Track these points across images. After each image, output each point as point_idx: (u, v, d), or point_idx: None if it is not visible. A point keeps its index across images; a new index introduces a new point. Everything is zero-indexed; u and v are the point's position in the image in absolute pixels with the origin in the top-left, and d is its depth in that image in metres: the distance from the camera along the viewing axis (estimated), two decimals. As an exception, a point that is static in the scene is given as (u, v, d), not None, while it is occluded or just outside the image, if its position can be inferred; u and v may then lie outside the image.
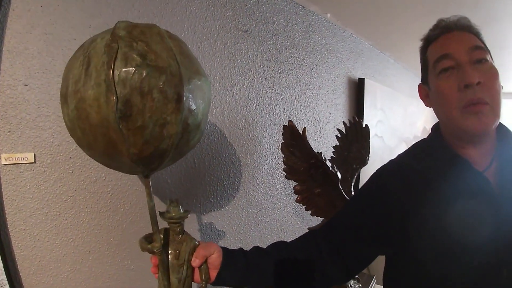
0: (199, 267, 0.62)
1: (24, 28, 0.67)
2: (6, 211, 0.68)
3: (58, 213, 0.75)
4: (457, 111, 0.57)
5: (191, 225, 1.00)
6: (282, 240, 0.75)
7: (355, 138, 1.17)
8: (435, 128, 0.70)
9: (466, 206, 0.58)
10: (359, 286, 1.08)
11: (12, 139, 0.67)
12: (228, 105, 1.07)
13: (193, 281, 0.65)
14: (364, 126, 1.18)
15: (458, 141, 0.62)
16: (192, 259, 0.61)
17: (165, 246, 0.60)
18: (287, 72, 1.30)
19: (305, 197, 0.99)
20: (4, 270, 0.67)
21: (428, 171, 0.64)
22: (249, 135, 1.15)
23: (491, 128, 0.58)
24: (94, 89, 0.40)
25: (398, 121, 2.17)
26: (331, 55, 1.55)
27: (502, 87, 0.60)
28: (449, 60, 0.58)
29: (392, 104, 2.03)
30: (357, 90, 1.71)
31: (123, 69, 0.39)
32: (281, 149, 0.91)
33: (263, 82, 1.19)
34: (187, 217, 0.61)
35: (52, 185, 0.73)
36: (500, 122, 0.62)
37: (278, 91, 1.26)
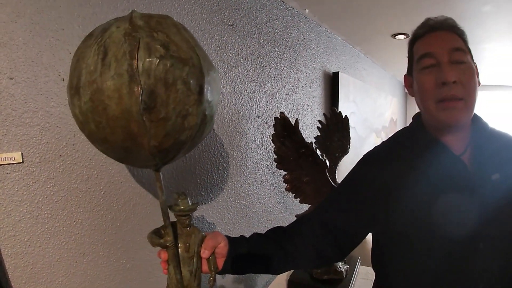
0: (207, 258, 0.63)
1: (8, 16, 0.61)
2: None
3: (49, 216, 0.70)
4: (433, 104, 0.63)
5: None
6: (278, 226, 0.78)
7: (335, 128, 1.23)
8: (416, 117, 0.76)
9: (445, 186, 0.64)
10: (346, 267, 1.15)
11: None
12: (216, 99, 1.07)
13: (202, 273, 0.65)
14: (344, 117, 1.25)
15: (436, 128, 0.68)
16: (202, 251, 0.61)
17: (174, 240, 0.59)
18: (270, 66, 1.31)
19: (294, 186, 1.02)
20: None
21: (409, 154, 0.70)
22: (235, 128, 1.16)
23: (464, 121, 0.64)
24: (114, 80, 0.38)
25: (369, 113, 2.29)
26: (308, 49, 1.59)
27: (479, 83, 0.66)
28: (431, 59, 0.64)
29: (363, 96, 2.15)
30: (332, 83, 1.78)
31: (147, 59, 0.38)
32: (272, 139, 0.93)
33: (247, 76, 1.20)
34: (196, 209, 0.61)
35: (42, 185, 0.69)
36: (475, 113, 0.69)
37: (262, 84, 1.28)
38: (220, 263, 0.65)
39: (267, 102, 1.31)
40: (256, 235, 0.74)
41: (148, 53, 0.38)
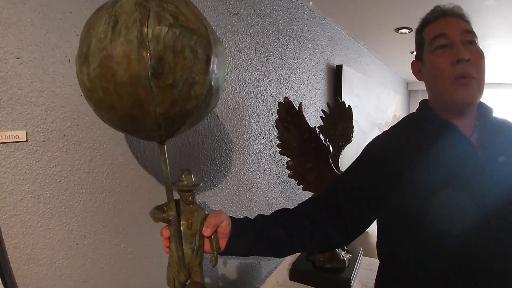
0: (209, 237, 0.62)
1: None
2: None
3: (51, 196, 0.69)
4: (449, 83, 0.64)
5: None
6: (283, 208, 0.77)
7: (339, 118, 1.22)
8: (423, 102, 0.76)
9: (457, 168, 0.64)
10: (349, 256, 1.14)
11: (2, 116, 0.61)
12: (220, 86, 1.06)
13: (204, 252, 0.65)
14: (347, 106, 1.24)
15: (446, 112, 0.68)
16: (204, 229, 0.60)
17: (176, 216, 0.58)
18: (273, 56, 1.30)
19: (297, 172, 1.01)
20: None
21: (419, 136, 0.70)
22: (239, 115, 1.15)
23: (477, 100, 0.65)
24: (124, 46, 0.37)
25: (371, 107, 2.28)
26: (312, 41, 1.58)
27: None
28: (444, 39, 0.65)
29: (367, 91, 2.13)
30: (335, 76, 1.77)
31: (157, 27, 0.37)
32: (276, 125, 0.92)
33: (251, 64, 1.19)
34: (199, 185, 0.60)
35: (45, 165, 0.68)
36: (481, 101, 0.70)
37: (266, 73, 1.26)
38: (223, 243, 0.64)
39: (270, 91, 1.30)
40: (260, 217, 0.73)
41: (158, 21, 0.38)
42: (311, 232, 0.72)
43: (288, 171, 1.01)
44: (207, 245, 0.63)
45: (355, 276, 1.14)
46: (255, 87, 1.21)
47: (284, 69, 1.38)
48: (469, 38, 0.65)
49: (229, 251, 0.65)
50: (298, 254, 1.25)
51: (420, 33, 0.73)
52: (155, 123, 0.43)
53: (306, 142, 0.95)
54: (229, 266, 1.17)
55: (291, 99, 1.43)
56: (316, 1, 1.47)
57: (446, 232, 0.63)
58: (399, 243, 0.73)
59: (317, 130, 0.91)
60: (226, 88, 1.08)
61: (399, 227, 0.72)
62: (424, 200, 0.65)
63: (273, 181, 1.38)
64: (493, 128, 0.69)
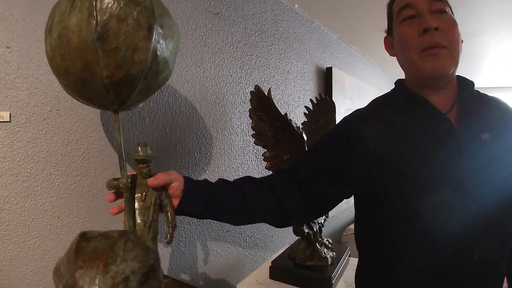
0: (166, 212, 0.67)
1: None
2: None
3: (29, 175, 0.78)
4: (417, 54, 0.63)
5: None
6: (249, 175, 0.79)
7: (321, 112, 1.28)
8: (398, 81, 0.76)
9: (429, 145, 0.63)
10: (332, 254, 1.15)
11: None
12: (199, 80, 1.15)
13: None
14: (329, 100, 1.30)
15: (420, 87, 0.68)
16: (151, 179, 0.64)
17: (132, 190, 0.64)
18: (257, 55, 1.40)
19: (274, 164, 1.07)
20: None
21: (392, 113, 0.70)
22: (219, 111, 1.24)
23: (449, 71, 0.63)
24: (77, 17, 0.47)
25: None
26: (299, 43, 1.68)
27: (462, 41, 0.67)
28: (411, 9, 0.65)
29: (360, 94, 2.20)
30: (325, 78, 1.86)
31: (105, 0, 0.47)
32: (249, 115, 1.00)
33: (233, 62, 1.29)
34: (154, 157, 0.67)
35: (24, 145, 0.77)
36: (460, 75, 0.70)
37: (248, 71, 1.36)
38: (175, 202, 0.68)
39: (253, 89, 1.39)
40: (221, 181, 0.75)
41: (105, -6, 0.47)
42: (269, 203, 0.73)
43: (265, 163, 1.07)
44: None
45: (339, 275, 1.15)
46: (236, 84, 1.30)
47: (269, 68, 1.47)
48: (438, 7, 0.64)
49: (181, 211, 0.69)
50: (280, 252, 1.28)
51: (390, 6, 0.73)
52: (104, 87, 0.51)
53: (280, 131, 1.01)
54: (210, 264, 1.21)
55: (277, 98, 1.52)
56: (301, 4, 1.58)
57: (417, 213, 0.62)
58: (372, 227, 0.73)
59: (288, 117, 0.97)
60: (205, 84, 1.17)
61: (371, 206, 0.72)
62: (394, 180, 0.65)
63: (258, 180, 1.44)
64: (475, 103, 0.67)
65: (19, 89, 0.75)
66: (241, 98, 1.33)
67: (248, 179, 0.77)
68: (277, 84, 1.53)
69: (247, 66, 1.35)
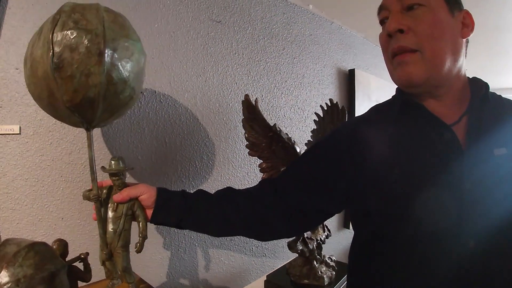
0: (138, 222, 0.72)
1: (18, 22, 0.84)
2: None
3: (36, 180, 0.90)
4: (389, 62, 0.60)
5: (162, 202, 1.13)
6: (230, 188, 0.78)
7: (330, 120, 1.25)
8: (399, 88, 0.68)
9: (428, 162, 0.56)
10: (331, 274, 1.09)
11: (2, 113, 0.84)
12: (201, 90, 1.21)
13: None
14: (341, 107, 1.27)
15: (415, 96, 0.61)
16: (115, 196, 0.69)
17: (106, 200, 0.71)
18: (265, 61, 1.42)
19: (271, 175, 1.08)
20: None
21: (388, 123, 0.63)
22: (223, 119, 1.28)
23: (420, 79, 0.55)
24: (41, 49, 0.54)
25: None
26: (317, 45, 1.65)
27: (466, 35, 0.58)
28: (384, 11, 0.60)
29: (389, 97, 2.06)
30: (348, 81, 1.80)
31: (60, 32, 0.53)
32: (242, 125, 1.02)
33: (238, 69, 1.32)
34: (125, 171, 0.72)
35: (33, 154, 0.89)
36: (475, 77, 0.63)
37: (255, 78, 1.38)
38: (149, 213, 0.70)
39: (262, 96, 1.41)
40: (199, 191, 0.75)
41: (61, 27, 0.54)
42: (245, 214, 0.71)
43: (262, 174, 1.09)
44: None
45: (339, 296, 1.12)
46: (242, 91, 1.33)
47: (280, 73, 1.47)
48: (409, 2, 0.56)
49: (155, 221, 0.71)
50: (278, 267, 1.28)
51: None
52: (68, 110, 0.58)
53: (274, 142, 1.02)
54: (212, 271, 1.26)
55: (289, 104, 1.51)
56: (317, 4, 1.55)
57: (414, 241, 0.56)
58: (360, 246, 0.69)
59: (277, 128, 0.97)
60: (208, 92, 1.22)
61: (357, 227, 0.69)
62: (376, 199, 0.60)
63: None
64: (490, 111, 0.58)
65: (27, 105, 0.87)
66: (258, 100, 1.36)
67: (228, 189, 0.76)
68: (289, 90, 1.52)
69: (254, 73, 1.38)
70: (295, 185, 0.72)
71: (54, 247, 0.57)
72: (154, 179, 1.10)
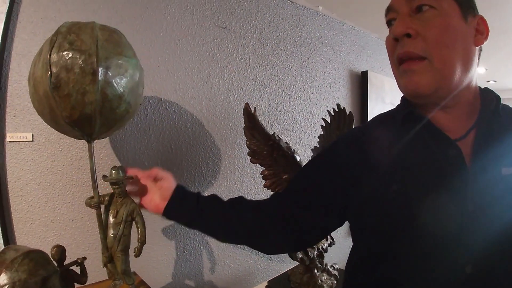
0: (138, 228, 0.77)
1: (28, 35, 0.90)
2: (8, 179, 0.90)
3: (48, 184, 0.96)
4: (395, 68, 0.55)
5: (168, 206, 1.17)
6: (241, 197, 0.78)
7: (336, 126, 1.24)
8: (404, 97, 0.65)
9: (429, 177, 0.53)
10: (331, 282, 1.09)
11: (16, 122, 0.90)
12: (206, 96, 1.23)
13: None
14: (348, 113, 1.25)
15: (425, 106, 0.57)
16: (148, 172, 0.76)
17: (108, 206, 0.76)
18: (273, 65, 1.42)
19: (273, 182, 1.09)
20: (1, 229, 0.89)
21: (389, 136, 0.61)
22: (229, 125, 1.30)
23: (428, 89, 0.52)
24: (40, 70, 0.59)
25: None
26: (327, 48, 1.63)
27: (480, 43, 0.54)
28: (392, 13, 0.56)
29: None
30: (360, 83, 1.76)
31: (57, 54, 0.57)
32: (244, 133, 1.04)
33: (244, 75, 1.33)
34: (124, 180, 0.76)
35: (45, 160, 0.95)
36: (486, 88, 0.59)
37: (262, 83, 1.39)
38: (162, 205, 0.72)
39: (269, 101, 1.42)
40: (212, 196, 0.77)
41: (58, 49, 0.58)
42: (252, 228, 0.71)
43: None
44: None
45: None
46: (248, 97, 1.35)
47: (288, 77, 1.47)
48: (418, 3, 0.52)
49: (167, 215, 0.72)
50: (284, 271, 1.29)
51: None
52: (68, 125, 0.62)
53: (275, 150, 1.03)
54: (217, 273, 1.29)
55: (298, 108, 1.51)
56: (327, 6, 1.53)
57: (409, 262, 0.54)
58: (354, 257, 0.68)
59: (276, 137, 0.98)
60: (213, 99, 1.24)
61: (354, 242, 0.68)
62: (369, 216, 0.58)
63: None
64: (501, 126, 0.54)
65: (40, 114, 0.94)
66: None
67: (239, 198, 0.77)
68: (298, 94, 1.52)
69: (261, 78, 1.38)
70: (296, 202, 0.71)
71: (53, 252, 0.62)
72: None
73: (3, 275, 0.50)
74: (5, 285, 0.49)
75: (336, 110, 1.24)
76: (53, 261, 0.61)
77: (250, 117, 0.97)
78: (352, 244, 0.70)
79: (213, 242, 1.29)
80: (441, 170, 0.52)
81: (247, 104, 0.98)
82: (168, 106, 1.15)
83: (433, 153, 0.54)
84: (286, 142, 1.00)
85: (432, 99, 0.54)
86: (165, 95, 1.14)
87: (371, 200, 0.57)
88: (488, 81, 2.89)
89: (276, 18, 1.42)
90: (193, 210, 0.72)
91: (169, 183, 0.74)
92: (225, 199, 0.78)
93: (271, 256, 1.47)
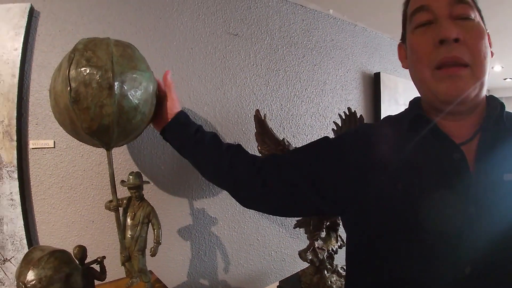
0: (154, 230, 0.83)
1: (47, 48, 0.96)
2: (31, 183, 0.96)
3: (70, 187, 1.01)
4: (429, 71, 0.54)
5: (182, 208, 1.20)
6: (239, 144, 0.85)
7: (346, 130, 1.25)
8: (414, 100, 0.67)
9: (433, 179, 0.54)
10: (341, 283, 1.09)
11: (39, 130, 0.96)
12: (220, 102, 1.26)
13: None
14: (359, 116, 1.25)
15: (436, 111, 0.58)
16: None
17: (126, 209, 0.81)
18: (284, 70, 1.43)
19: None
20: (25, 230, 0.95)
21: (397, 136, 0.62)
22: (242, 129, 1.32)
23: (469, 96, 0.52)
24: (60, 85, 0.63)
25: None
26: (339, 50, 1.62)
27: (492, 54, 0.56)
28: (426, 13, 0.55)
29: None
30: (373, 85, 1.75)
31: (75, 70, 0.62)
32: (255, 138, 1.07)
33: (256, 80, 1.35)
34: (142, 185, 0.81)
35: (66, 165, 1.01)
36: (491, 95, 0.60)
37: (274, 88, 1.40)
38: (160, 124, 0.82)
39: (281, 105, 1.43)
40: (212, 134, 0.84)
41: (76, 65, 0.62)
42: (241, 181, 0.76)
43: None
44: None
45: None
46: (260, 102, 1.37)
47: (300, 81, 1.48)
48: (462, 11, 0.53)
49: (163, 135, 0.84)
50: (291, 274, 1.30)
51: (406, 5, 0.62)
52: (88, 135, 0.67)
53: (286, 155, 1.05)
54: (231, 273, 1.32)
55: (310, 112, 1.53)
56: (338, 8, 1.53)
57: (409, 260, 0.55)
58: (351, 258, 0.68)
59: (286, 142, 1.00)
60: (226, 104, 1.27)
61: (354, 233, 0.67)
62: (376, 211, 0.57)
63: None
64: (503, 133, 0.54)
65: (62, 122, 0.99)
66: (266, 115, 1.39)
67: (237, 146, 0.83)
68: (310, 97, 1.53)
69: (273, 82, 1.40)
70: (291, 173, 0.71)
71: (75, 251, 0.67)
72: (176, 187, 1.18)
73: (30, 272, 0.56)
74: (32, 280, 0.55)
75: (347, 113, 1.25)
76: (75, 260, 0.66)
77: (260, 123, 1.00)
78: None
79: (227, 243, 1.32)
80: (445, 172, 0.53)
81: (257, 110, 1.00)
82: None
83: (438, 156, 0.55)
84: (295, 147, 1.02)
85: (463, 107, 0.54)
86: (180, 102, 1.17)
87: (376, 196, 0.58)
88: (505, 79, 2.79)
89: (287, 23, 1.44)
90: (188, 140, 0.80)
91: (173, 106, 0.82)
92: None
93: (285, 257, 1.49)
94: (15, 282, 0.57)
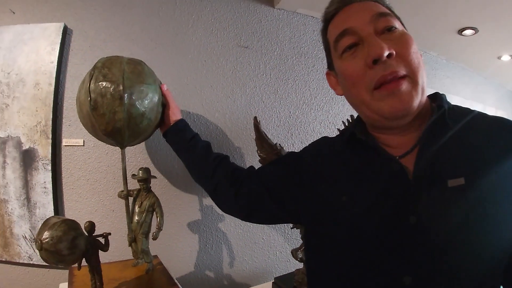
0: (157, 217, 0.96)
1: (79, 61, 1.14)
2: (62, 175, 1.14)
3: (95, 180, 1.18)
4: (368, 93, 0.53)
5: (193, 204, 1.33)
6: (227, 156, 0.96)
7: (348, 139, 1.31)
8: (357, 117, 0.67)
9: (375, 191, 0.55)
10: None
11: (71, 130, 1.15)
12: (230, 109, 1.38)
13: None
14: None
15: (379, 130, 0.58)
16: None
17: (135, 199, 0.96)
18: (294, 79, 1.51)
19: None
20: (55, 214, 1.11)
21: (338, 151, 0.65)
22: (250, 135, 1.43)
23: (415, 106, 0.51)
24: (83, 95, 0.79)
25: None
26: (352, 60, 1.68)
27: (421, 54, 0.55)
28: (351, 36, 0.54)
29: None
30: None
31: (94, 84, 0.77)
32: (255, 142, 1.17)
33: (265, 89, 1.45)
34: (149, 179, 0.95)
35: (93, 161, 1.18)
36: (437, 93, 0.59)
37: (283, 96, 1.49)
38: (165, 128, 0.96)
39: (290, 112, 1.52)
40: (205, 143, 0.97)
41: (95, 80, 0.77)
42: (221, 188, 0.86)
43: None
44: None
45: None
46: (269, 109, 1.47)
47: (309, 90, 1.56)
48: (385, 24, 0.52)
49: (164, 137, 0.98)
50: (290, 271, 1.37)
51: (324, 35, 0.63)
52: (105, 135, 0.82)
53: (282, 159, 1.14)
54: (236, 268, 1.43)
55: (318, 119, 1.60)
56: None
57: (352, 269, 0.56)
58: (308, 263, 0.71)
59: (278, 146, 1.09)
60: (236, 112, 1.39)
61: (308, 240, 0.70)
62: (333, 224, 0.59)
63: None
64: (445, 137, 0.53)
65: (93, 124, 1.17)
66: (275, 122, 1.48)
67: (225, 158, 0.94)
68: (319, 105, 1.60)
69: (282, 91, 1.50)
70: (261, 184, 0.78)
71: (85, 225, 0.82)
72: (188, 185, 1.32)
73: (46, 232, 0.72)
74: (46, 238, 0.71)
75: (350, 121, 1.31)
76: (83, 229, 0.81)
77: (256, 128, 1.10)
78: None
79: (233, 239, 1.43)
80: (385, 185, 0.54)
81: (255, 117, 1.11)
82: (196, 118, 1.32)
83: (378, 169, 0.56)
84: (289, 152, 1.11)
85: (408, 118, 0.53)
86: (193, 109, 1.32)
87: (325, 208, 0.62)
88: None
89: (297, 34, 1.53)
90: (183, 146, 0.93)
91: (175, 114, 0.96)
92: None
93: (289, 257, 1.57)
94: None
